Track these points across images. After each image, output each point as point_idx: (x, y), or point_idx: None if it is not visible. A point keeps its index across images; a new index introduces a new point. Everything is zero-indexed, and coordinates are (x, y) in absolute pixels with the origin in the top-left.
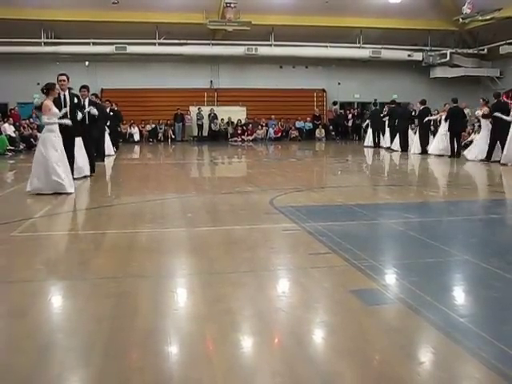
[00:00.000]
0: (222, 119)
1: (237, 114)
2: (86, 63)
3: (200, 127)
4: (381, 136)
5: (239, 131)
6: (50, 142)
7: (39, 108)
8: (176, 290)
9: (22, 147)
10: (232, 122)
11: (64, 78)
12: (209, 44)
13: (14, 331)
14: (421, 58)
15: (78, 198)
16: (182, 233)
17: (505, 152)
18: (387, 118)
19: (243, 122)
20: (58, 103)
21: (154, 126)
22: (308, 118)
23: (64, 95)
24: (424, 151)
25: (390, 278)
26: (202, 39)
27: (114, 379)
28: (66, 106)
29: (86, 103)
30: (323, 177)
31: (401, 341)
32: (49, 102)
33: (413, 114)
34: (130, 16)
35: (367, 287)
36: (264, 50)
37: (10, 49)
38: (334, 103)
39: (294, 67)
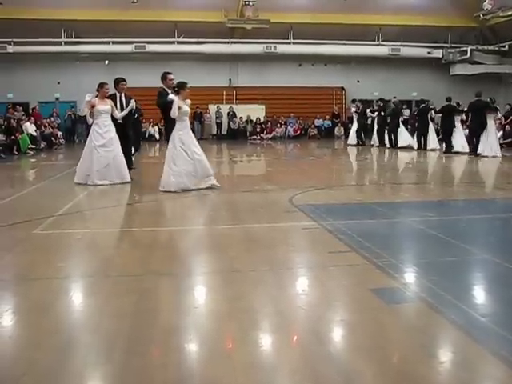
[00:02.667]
0: (241, 117)
1: (256, 112)
2: (106, 62)
3: (219, 125)
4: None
5: (258, 129)
6: None
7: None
8: (196, 287)
9: (43, 145)
10: (251, 121)
11: (124, 83)
12: (228, 42)
13: (37, 328)
14: (441, 55)
15: (102, 196)
16: (202, 231)
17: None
18: (375, 115)
19: (262, 120)
20: (115, 104)
21: None
22: (327, 116)
23: (120, 97)
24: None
25: (410, 276)
26: (220, 37)
27: (136, 376)
28: (122, 108)
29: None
30: (342, 175)
31: (421, 340)
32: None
33: (403, 111)
34: (149, 15)
35: (387, 286)
36: (283, 48)
37: (31, 48)
38: (353, 101)
39: (313, 65)
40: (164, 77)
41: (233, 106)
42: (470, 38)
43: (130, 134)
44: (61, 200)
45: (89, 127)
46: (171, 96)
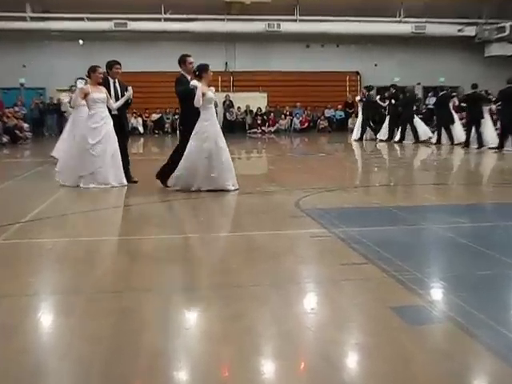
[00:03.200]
0: (239, 107)
1: (256, 101)
2: (80, 42)
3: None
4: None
5: (259, 121)
6: None
7: None
8: (187, 305)
9: (5, 140)
10: (250, 111)
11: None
12: (223, 20)
13: (1, 352)
14: (473, 34)
15: (74, 198)
16: (195, 239)
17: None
18: (387, 104)
19: (263, 110)
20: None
21: (160, 115)
22: (339, 106)
23: (114, 83)
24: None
25: (437, 292)
26: (215, 14)
27: None
28: (117, 97)
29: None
30: (357, 174)
31: (450, 367)
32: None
33: (429, 99)
34: None
35: (410, 303)
36: (288, 27)
37: None
38: (368, 88)
39: (323, 46)
40: (182, 60)
41: (229, 94)
42: (508, 13)
43: (127, 127)
44: (29, 204)
45: (61, 118)
46: (194, 82)
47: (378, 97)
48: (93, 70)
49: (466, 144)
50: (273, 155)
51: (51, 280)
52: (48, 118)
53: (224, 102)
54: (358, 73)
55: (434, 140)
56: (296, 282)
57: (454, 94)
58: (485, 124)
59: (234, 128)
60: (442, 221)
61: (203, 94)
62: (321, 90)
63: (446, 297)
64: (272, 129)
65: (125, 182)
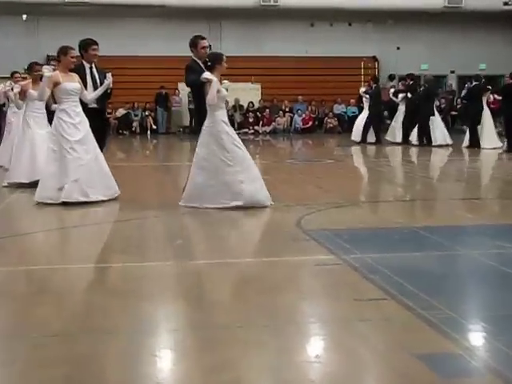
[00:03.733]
0: (226, 102)
1: (247, 94)
2: (24, 17)
3: (193, 113)
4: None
5: (251, 119)
6: None
7: None
8: (160, 352)
9: None
10: (241, 106)
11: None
12: None
13: None
14: None
15: (20, 217)
16: (170, 268)
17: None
18: (400, 98)
19: (257, 105)
20: (82, 80)
21: (126, 111)
22: (352, 100)
23: (91, 69)
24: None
25: (477, 337)
26: None
27: None
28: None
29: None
30: (374, 186)
31: None
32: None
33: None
34: None
35: (442, 350)
36: (287, 0)
37: None
38: (391, 77)
39: (332, 25)
40: (194, 43)
41: None
42: None
43: (109, 126)
44: None
45: (2, 115)
46: (207, 74)
47: (392, 90)
48: (64, 52)
49: (510, 148)
50: (268, 162)
51: None
52: None
53: None
54: (375, 58)
55: (465, 143)
56: (297, 321)
57: (489, 87)
58: None
59: None
60: (480, 245)
61: (217, 91)
62: (329, 80)
63: (488, 342)
64: (267, 129)
65: (117, 192)
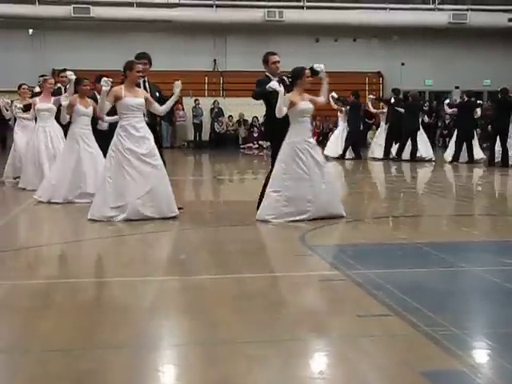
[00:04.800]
0: (231, 116)
1: (252, 108)
2: (30, 31)
3: (198, 128)
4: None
5: (255, 134)
6: None
7: None
8: (163, 367)
9: None
10: (245, 121)
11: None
12: (211, 6)
13: None
14: None
15: (26, 229)
16: (173, 283)
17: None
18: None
19: (261, 120)
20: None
21: None
22: None
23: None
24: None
25: (481, 354)
26: None
27: None
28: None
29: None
30: (378, 201)
31: None
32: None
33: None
34: None
35: (446, 367)
36: (292, 16)
37: None
38: (395, 92)
39: (337, 40)
40: (265, 59)
41: (218, 99)
42: None
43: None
44: None
45: (8, 128)
46: (274, 84)
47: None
48: (129, 67)
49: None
50: None
51: None
52: None
53: (211, 110)
54: (380, 74)
55: (449, 158)
56: (300, 337)
57: (479, 102)
58: None
59: (223, 142)
60: (484, 261)
61: (292, 104)
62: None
63: (492, 359)
64: None
65: (176, 211)
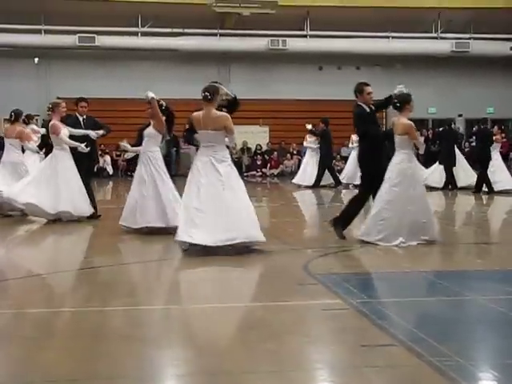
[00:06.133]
0: (235, 144)
1: (255, 136)
2: (35, 60)
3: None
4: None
5: (259, 162)
6: None
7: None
8: None
9: None
10: (248, 149)
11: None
12: (215, 35)
13: None
14: None
15: (27, 258)
16: (175, 312)
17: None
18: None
19: (264, 148)
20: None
21: (135, 153)
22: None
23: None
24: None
25: None
26: (205, 28)
27: None
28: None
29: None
30: None
31: None
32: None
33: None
34: None
35: None
36: (296, 44)
37: None
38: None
39: (340, 68)
40: (359, 89)
41: None
42: None
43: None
44: None
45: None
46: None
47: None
48: (216, 91)
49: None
50: (276, 204)
51: None
52: None
53: None
54: None
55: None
56: (304, 367)
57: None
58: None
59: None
60: (489, 290)
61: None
62: (337, 123)
63: None
64: (275, 171)
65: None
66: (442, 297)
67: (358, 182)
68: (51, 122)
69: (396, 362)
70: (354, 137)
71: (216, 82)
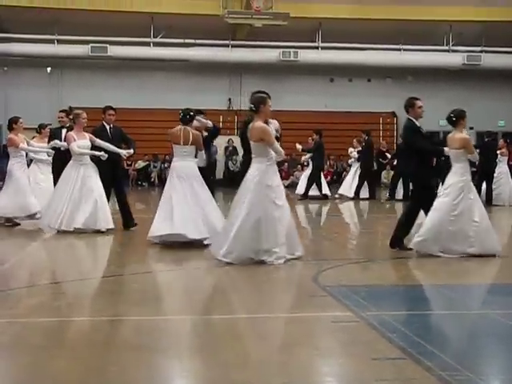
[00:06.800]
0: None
1: None
2: (48, 70)
3: (212, 166)
4: None
5: None
6: None
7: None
8: None
9: None
10: None
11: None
12: (227, 46)
13: None
14: None
15: (35, 266)
16: (185, 322)
17: None
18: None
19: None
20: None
21: (146, 163)
22: None
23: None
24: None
25: None
26: (217, 39)
27: None
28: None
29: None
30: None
31: None
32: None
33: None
34: (112, 3)
35: None
36: (307, 56)
37: None
38: (366, 133)
39: (351, 80)
40: (411, 103)
41: (233, 138)
42: None
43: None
44: None
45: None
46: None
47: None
48: (263, 102)
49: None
50: None
51: (1, 373)
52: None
53: (226, 149)
54: (394, 114)
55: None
56: (313, 380)
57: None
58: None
59: (237, 180)
60: (500, 304)
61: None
62: (348, 134)
63: None
64: (285, 182)
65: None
66: (453, 310)
67: (351, 195)
68: (67, 134)
69: (406, 376)
70: (353, 150)
71: (263, 93)
